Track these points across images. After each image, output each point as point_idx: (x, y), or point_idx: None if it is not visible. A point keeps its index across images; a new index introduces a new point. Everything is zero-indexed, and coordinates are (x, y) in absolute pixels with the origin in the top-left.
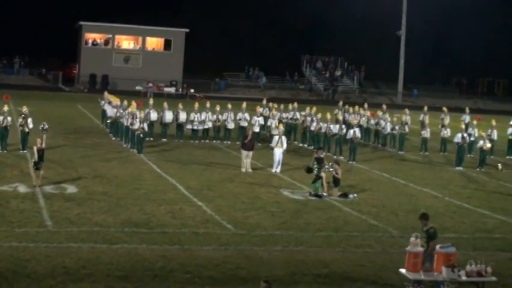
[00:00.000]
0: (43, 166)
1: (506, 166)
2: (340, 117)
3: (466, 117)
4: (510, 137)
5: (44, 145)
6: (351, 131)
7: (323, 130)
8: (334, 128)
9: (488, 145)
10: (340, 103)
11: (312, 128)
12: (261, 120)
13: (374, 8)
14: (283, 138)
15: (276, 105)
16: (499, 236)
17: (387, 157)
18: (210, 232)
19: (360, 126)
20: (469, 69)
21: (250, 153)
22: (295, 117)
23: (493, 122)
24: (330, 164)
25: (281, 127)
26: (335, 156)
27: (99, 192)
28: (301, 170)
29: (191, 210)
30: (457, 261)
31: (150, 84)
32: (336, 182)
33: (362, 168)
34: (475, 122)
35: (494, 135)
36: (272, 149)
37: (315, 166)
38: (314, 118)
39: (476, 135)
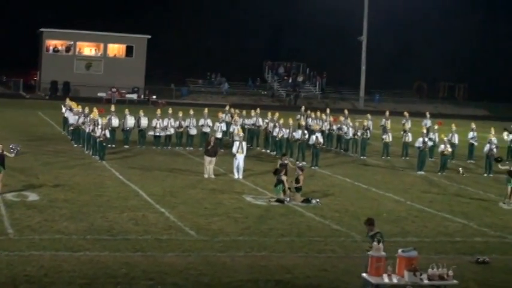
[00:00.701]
0: (4, 173)
1: (467, 170)
2: (303, 123)
3: (427, 122)
4: (471, 142)
5: (4, 152)
6: (313, 137)
7: (285, 136)
8: (297, 134)
9: (449, 149)
10: (303, 109)
11: (275, 134)
12: (223, 126)
13: (336, 13)
14: (244, 144)
15: (238, 111)
16: (460, 240)
17: (349, 162)
18: (173, 238)
19: (322, 131)
20: (430, 74)
21: (214, 159)
22: (257, 123)
23: (454, 127)
24: (299, 166)
25: (241, 133)
26: (298, 162)
27: (61, 200)
28: (263, 176)
29: (154, 217)
30: (419, 265)
31: (114, 90)
32: (297, 187)
33: (325, 173)
34: (436, 127)
35: (455, 139)
36: (234, 155)
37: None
38: (276, 124)
39: (437, 139)
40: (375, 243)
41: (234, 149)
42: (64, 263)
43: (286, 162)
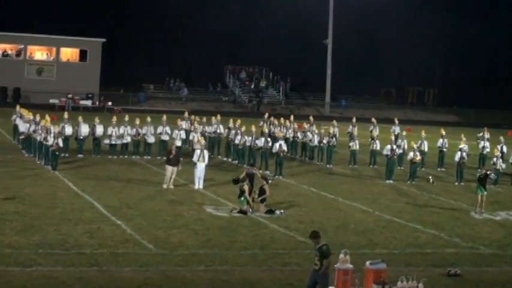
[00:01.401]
0: None
1: (437, 179)
2: (266, 130)
3: (396, 129)
4: (440, 149)
5: None
6: (277, 144)
7: (248, 144)
8: (260, 142)
9: (419, 157)
10: (266, 115)
11: (237, 142)
12: (182, 134)
13: (300, 16)
14: (205, 152)
15: (198, 118)
16: (430, 251)
17: (315, 171)
18: (130, 252)
19: (286, 139)
20: (398, 78)
21: (175, 169)
22: (218, 130)
23: (423, 133)
24: (272, 177)
25: (202, 141)
26: (261, 171)
27: (11, 212)
28: (225, 186)
29: (110, 230)
30: (388, 277)
31: (70, 96)
32: (262, 199)
33: (289, 182)
34: (404, 133)
35: (425, 146)
36: (194, 164)
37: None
38: (238, 131)
39: (406, 146)
40: (341, 255)
41: (195, 158)
42: (15, 279)
43: (253, 172)
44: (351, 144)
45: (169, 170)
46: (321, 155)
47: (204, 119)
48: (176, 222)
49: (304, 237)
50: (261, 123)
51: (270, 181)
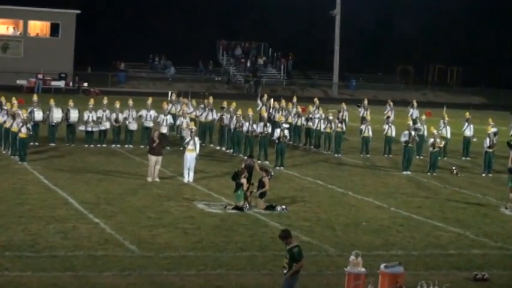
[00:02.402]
0: None
1: (462, 169)
2: (265, 114)
3: (414, 112)
4: (466, 135)
5: None
6: (278, 131)
7: (244, 129)
8: (258, 127)
9: (440, 144)
10: (265, 97)
11: (232, 127)
12: (169, 118)
13: None
14: (196, 139)
15: (187, 101)
16: (454, 252)
17: (321, 161)
18: (110, 255)
19: (288, 124)
20: (417, 55)
21: (160, 158)
22: (210, 115)
23: (446, 117)
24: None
25: (193, 126)
26: (259, 161)
27: None
28: (218, 178)
29: (86, 229)
30: (406, 283)
31: (40, 76)
32: (262, 193)
33: (292, 174)
34: (424, 117)
35: (447, 132)
36: (183, 148)
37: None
38: (233, 116)
39: (426, 133)
40: (352, 257)
41: (185, 146)
42: None
43: (253, 164)
44: (362, 129)
45: (153, 160)
46: (328, 142)
47: (194, 102)
48: (163, 220)
49: (310, 237)
50: (259, 106)
51: (271, 175)
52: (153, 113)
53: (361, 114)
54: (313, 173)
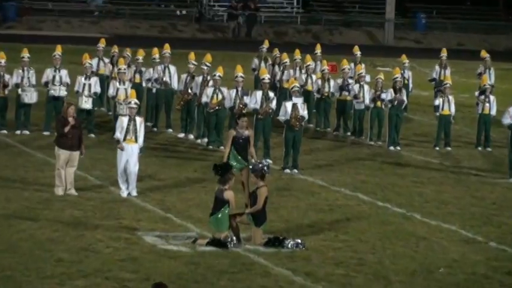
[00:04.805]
0: None
1: None
2: (265, 76)
3: None
4: None
5: None
6: (288, 105)
7: (227, 104)
8: (253, 100)
9: None
10: (265, 46)
11: (205, 100)
12: (94, 83)
13: None
14: (139, 122)
15: (129, 53)
16: None
17: (365, 158)
18: None
19: (306, 93)
20: None
21: (76, 155)
22: (169, 78)
23: None
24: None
25: (134, 98)
26: (253, 160)
27: None
28: (182, 190)
29: None
30: None
31: None
32: (256, 215)
33: (312, 182)
34: None
35: None
36: (117, 141)
37: (236, 165)
38: (207, 79)
39: None
40: None
41: (118, 133)
42: None
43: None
44: (438, 103)
45: (63, 156)
46: (377, 126)
47: (141, 56)
48: (82, 265)
49: None
50: (255, 62)
51: (264, 169)
52: (65, 74)
53: (435, 75)
54: (351, 180)
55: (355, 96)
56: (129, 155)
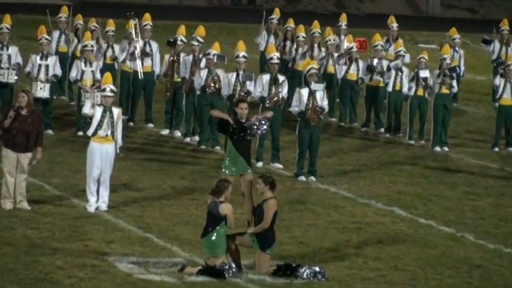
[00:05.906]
0: None
1: None
2: (274, 55)
3: None
4: None
5: None
6: (304, 93)
7: (225, 93)
8: (258, 86)
9: None
10: (275, 16)
11: (197, 85)
12: (53, 66)
13: None
14: (116, 112)
15: (96, 24)
16: None
17: (403, 162)
18: None
19: (327, 77)
20: None
21: (27, 157)
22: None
23: None
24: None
25: (110, 84)
26: (259, 164)
27: None
28: (166, 203)
29: None
30: None
31: None
32: (261, 235)
33: (334, 193)
34: None
35: None
36: (87, 135)
37: (234, 170)
38: (199, 56)
39: None
40: None
41: (92, 129)
42: None
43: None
44: (498, 90)
45: (10, 160)
46: (418, 120)
47: (111, 28)
48: None
49: None
50: (262, 37)
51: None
52: (15, 52)
53: (494, 56)
54: (385, 191)
55: (379, 73)
56: (104, 158)
